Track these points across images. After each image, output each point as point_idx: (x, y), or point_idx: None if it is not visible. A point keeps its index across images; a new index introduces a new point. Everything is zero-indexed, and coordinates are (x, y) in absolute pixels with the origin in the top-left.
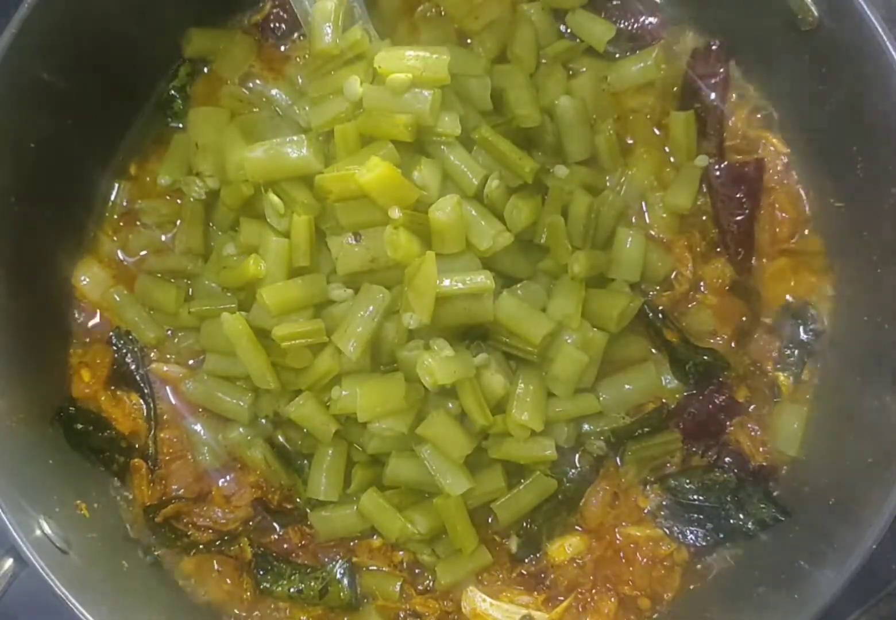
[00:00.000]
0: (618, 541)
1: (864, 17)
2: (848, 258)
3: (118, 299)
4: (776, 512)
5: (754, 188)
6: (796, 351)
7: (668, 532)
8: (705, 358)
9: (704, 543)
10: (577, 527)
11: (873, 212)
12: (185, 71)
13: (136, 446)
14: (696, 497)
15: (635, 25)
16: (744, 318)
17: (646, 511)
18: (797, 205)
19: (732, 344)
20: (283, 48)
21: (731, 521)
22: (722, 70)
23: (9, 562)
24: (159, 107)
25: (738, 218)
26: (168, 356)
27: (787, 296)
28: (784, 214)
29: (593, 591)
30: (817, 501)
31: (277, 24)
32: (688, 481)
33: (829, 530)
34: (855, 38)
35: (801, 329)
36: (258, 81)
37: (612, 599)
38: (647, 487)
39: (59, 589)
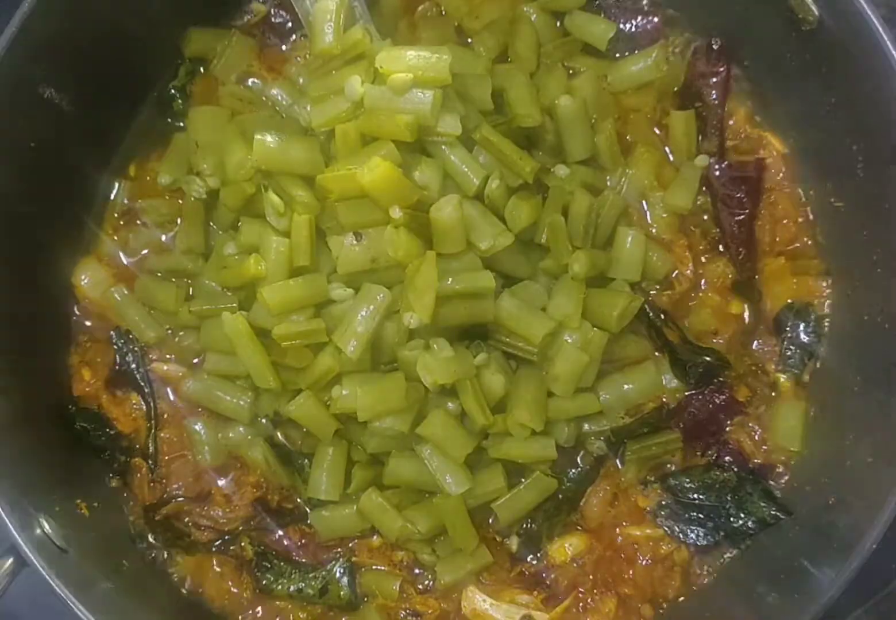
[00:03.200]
0: (618, 541)
1: (865, 16)
2: (848, 258)
3: (118, 298)
4: (777, 511)
5: (755, 187)
6: (797, 352)
7: (668, 531)
8: (706, 358)
9: (705, 542)
10: (577, 527)
11: (873, 213)
12: (185, 70)
13: (137, 445)
14: (696, 496)
15: (635, 25)
16: (745, 318)
17: (646, 510)
18: (797, 205)
19: (734, 344)
20: (283, 48)
21: (732, 520)
22: (722, 69)
23: (9, 561)
24: (159, 106)
25: (739, 217)
26: (168, 356)
27: (788, 297)
28: (785, 216)
29: (594, 591)
30: (817, 500)
31: (277, 24)
32: (688, 480)
33: (829, 529)
34: (855, 38)
35: (803, 329)
36: (258, 81)
37: (612, 599)
38: (647, 487)
39: (60, 588)
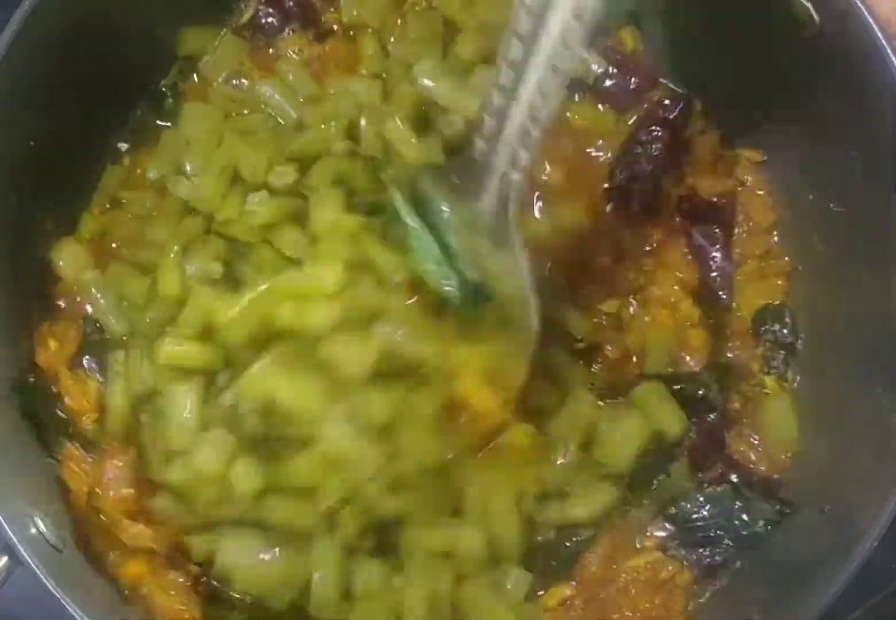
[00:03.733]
0: (617, 577)
1: (866, 23)
2: (825, 256)
3: (92, 283)
4: (780, 507)
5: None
6: (780, 353)
7: (685, 562)
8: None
9: (720, 559)
10: (571, 582)
11: (869, 218)
12: (177, 69)
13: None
14: (700, 514)
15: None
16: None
17: (654, 546)
18: (770, 211)
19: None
20: (273, 46)
21: (740, 526)
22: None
23: (3, 560)
24: (152, 104)
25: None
26: None
27: (761, 299)
28: (761, 226)
29: None
30: (817, 501)
31: (266, 22)
32: (686, 504)
33: (829, 529)
34: (856, 45)
35: (779, 330)
36: (246, 81)
37: None
38: (653, 522)
39: (54, 588)
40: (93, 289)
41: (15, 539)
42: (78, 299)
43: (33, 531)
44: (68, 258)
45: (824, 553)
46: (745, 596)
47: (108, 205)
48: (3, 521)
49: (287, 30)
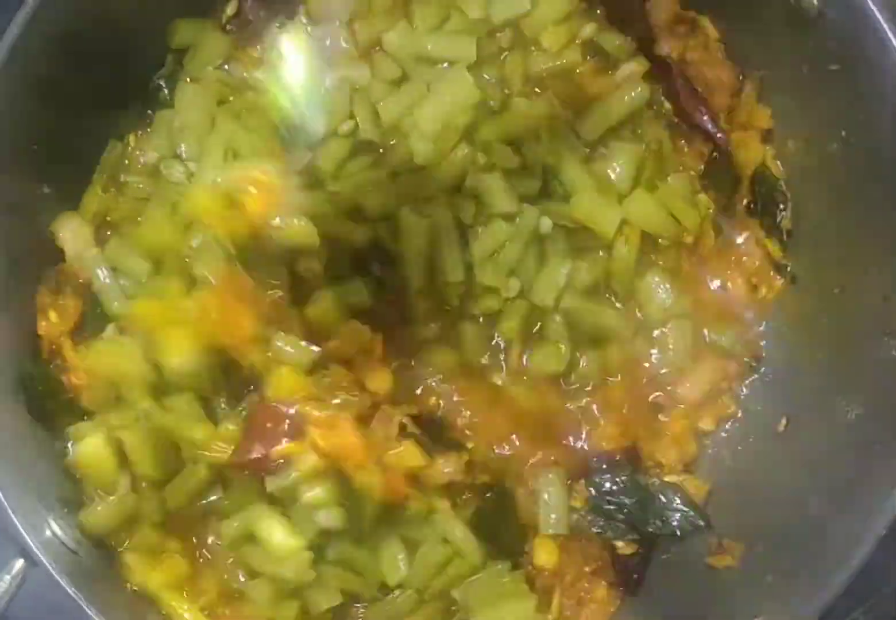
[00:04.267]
0: None
1: (866, 8)
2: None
3: (93, 260)
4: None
5: None
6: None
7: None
8: None
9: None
10: None
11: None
12: (171, 61)
13: None
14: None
15: None
16: None
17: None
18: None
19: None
20: (262, 36)
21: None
22: None
23: (19, 563)
24: (150, 96)
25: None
26: None
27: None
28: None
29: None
30: (815, 500)
31: (253, 15)
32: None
33: (828, 529)
34: (856, 30)
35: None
36: (238, 68)
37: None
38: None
39: (71, 590)
40: (95, 269)
41: (30, 542)
42: (80, 279)
43: (48, 533)
44: (69, 232)
45: (824, 552)
46: (746, 597)
47: (108, 189)
48: (18, 524)
49: (275, 22)
